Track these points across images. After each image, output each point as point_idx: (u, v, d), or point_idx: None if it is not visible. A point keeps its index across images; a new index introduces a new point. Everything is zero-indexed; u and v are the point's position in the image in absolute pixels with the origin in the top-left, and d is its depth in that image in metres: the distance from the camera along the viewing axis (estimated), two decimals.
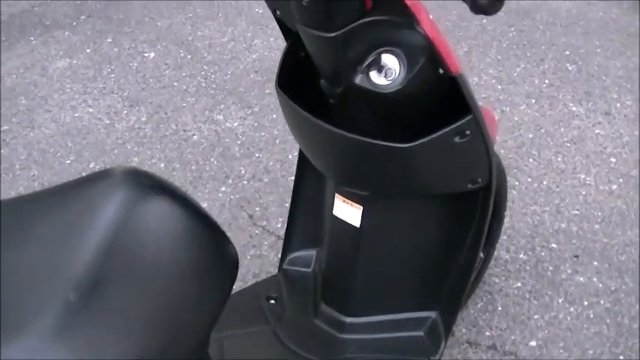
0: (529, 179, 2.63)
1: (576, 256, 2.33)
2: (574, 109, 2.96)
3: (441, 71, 1.28)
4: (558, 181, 2.62)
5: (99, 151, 2.90)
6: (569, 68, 3.22)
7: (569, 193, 2.57)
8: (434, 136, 1.34)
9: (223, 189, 2.68)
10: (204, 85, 3.27)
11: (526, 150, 2.77)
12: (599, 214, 2.48)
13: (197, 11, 3.88)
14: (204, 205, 2.60)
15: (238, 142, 2.90)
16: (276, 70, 1.48)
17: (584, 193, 2.57)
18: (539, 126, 2.89)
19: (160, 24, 3.78)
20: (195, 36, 3.65)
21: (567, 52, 3.33)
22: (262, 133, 2.94)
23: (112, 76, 3.38)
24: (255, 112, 3.06)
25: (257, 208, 2.58)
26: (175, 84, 3.29)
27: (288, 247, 1.98)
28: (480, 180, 1.50)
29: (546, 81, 3.13)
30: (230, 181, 2.71)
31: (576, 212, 2.49)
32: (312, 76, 1.45)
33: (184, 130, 2.99)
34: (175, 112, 3.10)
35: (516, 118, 2.93)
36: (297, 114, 1.46)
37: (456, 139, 1.37)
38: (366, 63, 1.33)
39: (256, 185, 2.68)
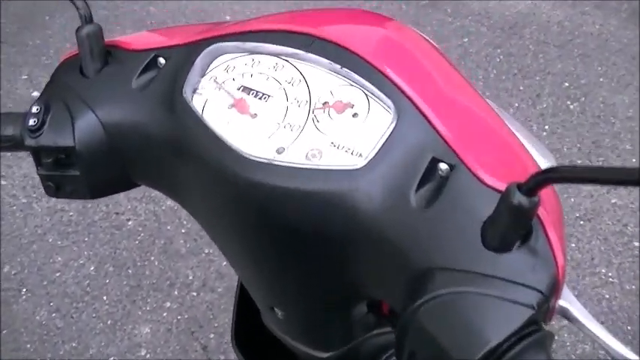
0: None
1: None
2: None
3: None
4: (575, 279, 2.16)
5: (15, 246, 2.36)
6: (571, 107, 2.73)
7: (589, 296, 2.12)
8: None
9: (168, 304, 2.17)
10: None
11: None
12: (629, 328, 2.03)
13: (127, 34, 3.28)
14: (145, 330, 2.10)
15: (183, 231, 2.38)
16: None
17: (607, 296, 2.12)
18: None
19: None
20: None
21: (566, 84, 2.84)
22: None
23: None
24: None
25: (212, 335, 2.08)
26: None
27: None
28: None
29: (546, 127, 2.65)
30: (176, 292, 2.20)
31: None
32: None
33: (117, 213, 2.45)
34: None
35: None
36: None
37: None
38: None
39: (208, 298, 2.17)
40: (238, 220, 0.66)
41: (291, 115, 0.63)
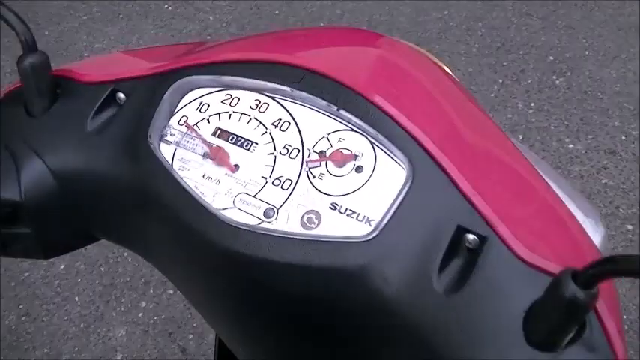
0: None
1: None
2: (571, 146, 2.40)
3: None
4: None
5: None
6: (557, 83, 2.63)
7: None
8: None
9: (143, 304, 2.06)
10: None
11: None
12: (625, 317, 1.96)
13: (93, 11, 3.14)
14: (120, 332, 2.00)
15: None
16: None
17: None
18: None
19: (47, 33, 3.04)
20: (92, 50, 2.93)
21: (551, 58, 2.74)
22: None
23: None
24: None
25: (190, 336, 1.98)
26: None
27: None
28: None
29: (532, 104, 2.55)
30: (151, 291, 2.09)
31: None
32: None
33: None
34: None
35: None
36: None
37: None
38: None
39: None
40: (218, 289, 0.55)
41: (281, 168, 0.52)
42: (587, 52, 2.76)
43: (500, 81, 2.66)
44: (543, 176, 0.51)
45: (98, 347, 1.98)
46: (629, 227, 2.17)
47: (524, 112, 2.53)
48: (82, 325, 2.03)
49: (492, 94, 2.60)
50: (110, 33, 3.02)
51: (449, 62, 2.67)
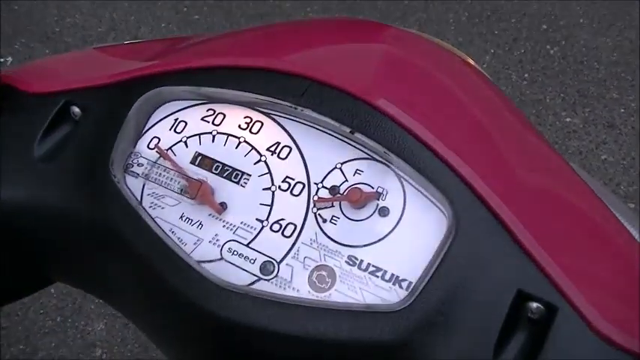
0: None
1: None
2: (568, 120, 2.30)
3: None
4: None
5: None
6: (551, 52, 2.53)
7: None
8: None
9: None
10: None
11: None
12: None
13: None
14: (99, 326, 1.89)
15: None
16: None
17: None
18: None
19: (16, 7, 2.89)
20: (64, 25, 2.79)
21: (544, 27, 2.63)
22: None
23: None
24: None
25: None
26: None
27: None
28: None
29: (526, 75, 2.45)
30: None
31: None
32: None
33: None
34: None
35: None
36: None
37: None
38: None
39: None
40: (200, 356, 0.45)
41: (281, 209, 0.40)
42: (581, 20, 2.65)
43: (492, 51, 2.55)
44: (613, 211, 0.40)
45: (76, 342, 1.87)
46: (632, 205, 2.09)
47: (518, 83, 2.42)
48: (58, 319, 1.92)
49: (484, 65, 2.49)
50: (82, 6, 2.87)
51: (437, 34, 2.55)
